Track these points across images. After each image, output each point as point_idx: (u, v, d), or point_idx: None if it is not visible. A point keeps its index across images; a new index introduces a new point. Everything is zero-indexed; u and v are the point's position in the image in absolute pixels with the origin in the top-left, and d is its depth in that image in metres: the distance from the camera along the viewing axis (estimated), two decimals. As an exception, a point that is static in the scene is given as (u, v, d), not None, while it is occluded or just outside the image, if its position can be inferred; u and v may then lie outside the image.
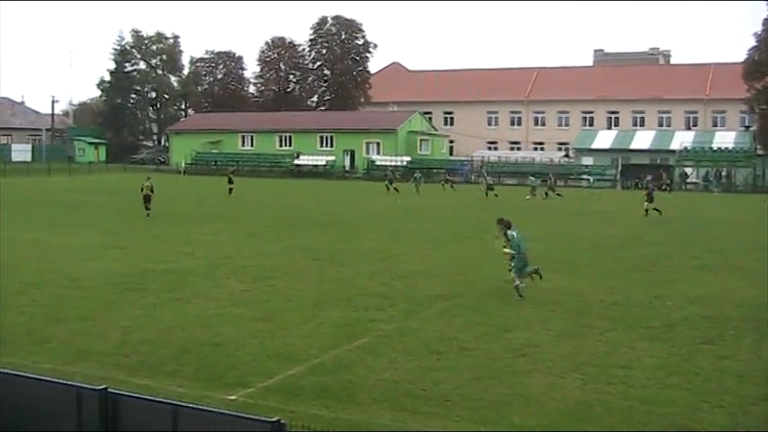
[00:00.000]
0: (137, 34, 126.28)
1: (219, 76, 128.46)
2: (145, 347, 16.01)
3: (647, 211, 47.04)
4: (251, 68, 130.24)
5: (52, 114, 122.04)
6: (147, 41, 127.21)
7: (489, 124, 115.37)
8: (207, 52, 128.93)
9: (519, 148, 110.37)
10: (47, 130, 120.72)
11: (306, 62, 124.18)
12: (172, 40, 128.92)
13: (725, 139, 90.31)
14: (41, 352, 15.63)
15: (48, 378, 10.02)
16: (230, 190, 57.34)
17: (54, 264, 26.05)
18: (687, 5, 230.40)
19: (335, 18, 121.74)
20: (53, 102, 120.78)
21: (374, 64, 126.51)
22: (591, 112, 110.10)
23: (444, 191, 68.19)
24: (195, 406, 9.08)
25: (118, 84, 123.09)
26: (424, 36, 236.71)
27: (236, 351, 15.83)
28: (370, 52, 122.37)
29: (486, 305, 20.53)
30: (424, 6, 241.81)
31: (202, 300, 20.69)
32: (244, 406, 12.17)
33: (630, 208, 52.14)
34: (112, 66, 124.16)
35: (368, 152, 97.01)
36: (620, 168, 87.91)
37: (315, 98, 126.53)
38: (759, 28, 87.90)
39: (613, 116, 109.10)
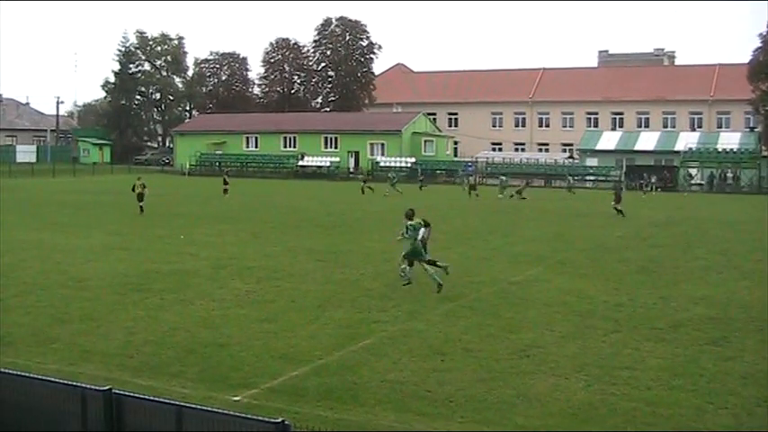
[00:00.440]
0: (141, 35, 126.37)
1: (224, 78, 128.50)
2: (149, 348, 16.03)
3: (617, 210, 47.07)
4: (255, 69, 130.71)
5: (57, 115, 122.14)
6: (151, 43, 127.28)
7: (494, 125, 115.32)
8: (211, 53, 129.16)
9: (523, 149, 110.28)
10: (51, 131, 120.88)
11: (310, 63, 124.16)
12: (176, 42, 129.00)
13: (730, 140, 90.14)
14: (46, 352, 15.65)
15: (52, 379, 10.03)
16: (225, 190, 57.87)
17: (58, 264, 26.09)
18: (692, 6, 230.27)
19: (340, 19, 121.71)
20: (58, 103, 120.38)
21: (378, 65, 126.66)
22: (595, 113, 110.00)
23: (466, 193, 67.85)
24: (199, 407, 9.08)
25: (122, 85, 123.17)
26: (429, 37, 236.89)
27: (241, 352, 15.84)
28: (374, 53, 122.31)
29: (490, 306, 20.52)
30: (428, 7, 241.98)
31: (207, 300, 20.70)
32: (248, 407, 12.17)
33: (635, 209, 52.09)
34: (117, 67, 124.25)
35: (372, 153, 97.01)
36: (624, 169, 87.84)
37: (319, 99, 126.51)
38: (764, 29, 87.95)
39: (618, 117, 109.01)
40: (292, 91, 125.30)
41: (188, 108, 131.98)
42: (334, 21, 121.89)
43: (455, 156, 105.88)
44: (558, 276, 25.25)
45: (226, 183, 58.82)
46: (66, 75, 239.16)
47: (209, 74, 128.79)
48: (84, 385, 9.61)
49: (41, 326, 17.78)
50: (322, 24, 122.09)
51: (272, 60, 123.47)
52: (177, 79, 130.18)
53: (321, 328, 17.98)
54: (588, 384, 14.10)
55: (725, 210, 56.02)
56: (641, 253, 31.40)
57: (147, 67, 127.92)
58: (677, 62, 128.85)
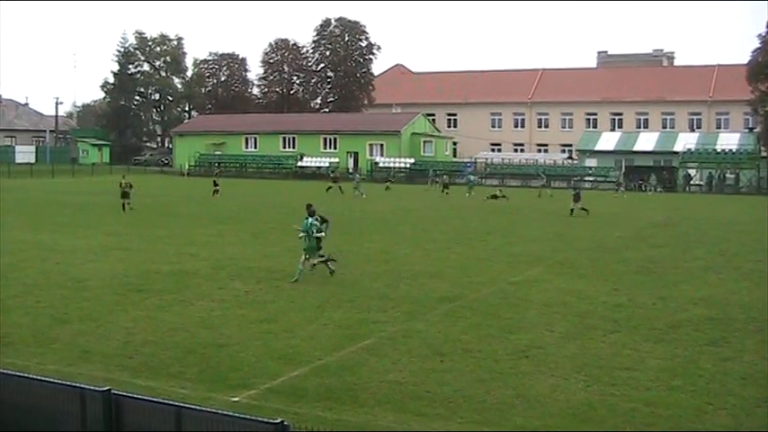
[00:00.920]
0: (140, 36, 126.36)
1: (223, 78, 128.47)
2: (148, 349, 16.03)
3: (572, 210, 47.48)
4: (254, 70, 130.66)
5: (56, 116, 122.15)
6: (150, 43, 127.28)
7: (493, 126, 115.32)
8: (210, 54, 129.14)
9: (522, 150, 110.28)
10: (51, 131, 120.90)
11: (309, 64, 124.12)
12: (175, 42, 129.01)
13: (729, 140, 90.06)
14: (46, 353, 15.65)
15: (52, 379, 10.04)
16: (216, 191, 58.49)
17: (58, 265, 26.09)
18: (691, 7, 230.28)
19: (339, 20, 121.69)
20: (57, 103, 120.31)
21: (378, 66, 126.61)
22: (594, 114, 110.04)
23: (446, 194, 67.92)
24: (198, 407, 9.10)
25: (121, 85, 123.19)
26: (428, 38, 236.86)
27: (240, 352, 15.85)
28: (373, 54, 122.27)
29: (489, 307, 20.53)
30: (427, 8, 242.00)
31: (206, 301, 20.71)
32: (247, 407, 12.18)
33: (634, 210, 52.13)
34: (116, 67, 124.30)
35: (371, 154, 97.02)
36: (623, 170, 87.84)
37: (318, 100, 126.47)
38: (763, 29, 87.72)
39: (617, 118, 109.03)
40: (291, 91, 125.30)
41: (187, 109, 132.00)
42: (333, 21, 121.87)
43: (454, 156, 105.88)
44: (557, 277, 25.27)
45: (216, 184, 59.76)
46: (66, 75, 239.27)
47: (208, 74, 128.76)
48: (83, 386, 9.61)
49: (41, 326, 17.79)
50: (321, 25, 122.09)
51: (272, 61, 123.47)
52: (176, 80, 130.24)
53: (320, 328, 17.99)
54: (588, 385, 14.10)
55: (724, 210, 56.03)
56: (641, 253, 31.42)
57: (146, 67, 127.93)
58: (676, 63, 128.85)
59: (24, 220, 39.31)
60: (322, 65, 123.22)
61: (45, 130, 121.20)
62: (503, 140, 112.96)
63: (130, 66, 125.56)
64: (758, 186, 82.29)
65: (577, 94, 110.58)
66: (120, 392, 9.24)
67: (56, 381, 9.95)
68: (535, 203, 57.39)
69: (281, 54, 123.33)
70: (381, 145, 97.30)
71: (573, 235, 37.45)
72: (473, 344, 16.70)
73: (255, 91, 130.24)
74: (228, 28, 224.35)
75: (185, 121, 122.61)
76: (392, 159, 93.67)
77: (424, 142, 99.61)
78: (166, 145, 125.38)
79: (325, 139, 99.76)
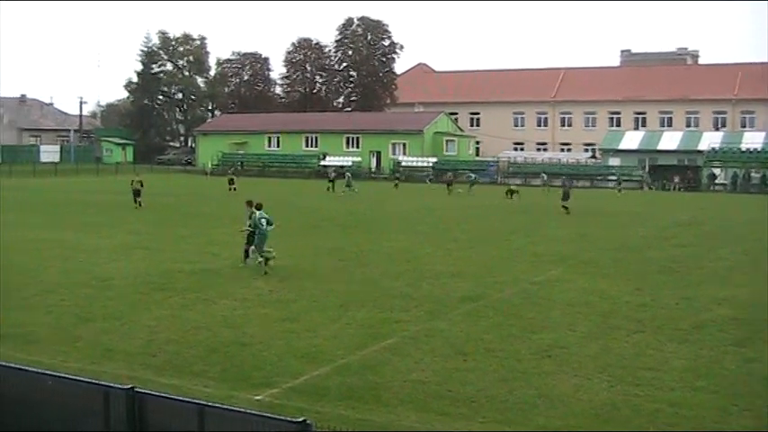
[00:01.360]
0: (164, 36, 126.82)
1: (246, 78, 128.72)
2: (171, 347, 16.09)
3: (565, 207, 48.02)
4: (277, 69, 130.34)
5: (80, 115, 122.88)
6: (173, 43, 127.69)
7: (516, 125, 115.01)
8: (233, 53, 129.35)
9: (545, 149, 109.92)
10: (75, 130, 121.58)
11: (332, 63, 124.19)
12: (198, 42, 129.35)
13: (754, 139, 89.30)
14: (69, 351, 15.74)
15: (75, 377, 10.08)
16: (233, 189, 59.86)
17: (82, 264, 26.23)
18: (715, 5, 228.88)
19: (361, 19, 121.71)
20: (81, 103, 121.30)
21: (400, 65, 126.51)
22: (618, 113, 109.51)
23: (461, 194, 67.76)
24: (221, 406, 9.10)
25: (145, 85, 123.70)
26: (451, 37, 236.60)
27: (263, 351, 15.87)
28: (396, 53, 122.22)
29: (512, 306, 20.48)
30: (450, 7, 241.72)
31: (229, 300, 20.76)
32: (270, 406, 12.20)
33: (658, 209, 51.88)
34: (140, 67, 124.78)
35: (394, 153, 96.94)
36: (647, 169, 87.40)
37: (341, 99, 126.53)
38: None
39: (640, 117, 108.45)
40: (314, 91, 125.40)
41: (210, 108, 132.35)
42: (355, 21, 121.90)
43: (477, 155, 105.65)
44: (580, 276, 25.16)
45: (232, 182, 61.33)
46: (90, 75, 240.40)
47: (231, 74, 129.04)
48: (107, 384, 9.65)
49: (65, 324, 17.90)
50: (344, 24, 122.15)
51: (294, 60, 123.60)
52: (199, 79, 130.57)
53: (343, 327, 18.00)
54: (611, 385, 14.04)
55: (749, 210, 55.60)
56: (664, 253, 31.25)
57: (169, 67, 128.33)
58: (700, 61, 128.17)
59: (48, 219, 39.54)
60: (345, 64, 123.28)
61: (69, 130, 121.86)
62: (526, 140, 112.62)
63: (154, 65, 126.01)
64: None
65: (601, 93, 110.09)
66: (144, 390, 9.26)
67: (80, 378, 9.98)
68: (558, 203, 57.10)
69: (304, 53, 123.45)
70: (404, 144, 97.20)
71: (596, 234, 37.30)
72: (495, 343, 16.67)
73: (278, 90, 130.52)
74: (251, 27, 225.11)
75: (208, 121, 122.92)
76: (415, 158, 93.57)
77: (447, 141, 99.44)
78: (189, 144, 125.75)
79: (348, 138, 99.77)
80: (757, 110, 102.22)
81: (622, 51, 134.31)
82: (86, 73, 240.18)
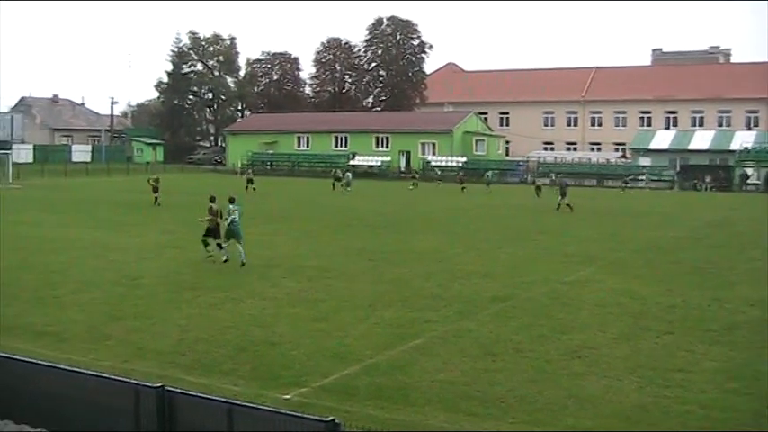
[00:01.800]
0: (194, 36, 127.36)
1: (275, 77, 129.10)
2: (201, 346, 16.16)
3: (559, 206, 48.76)
4: (307, 69, 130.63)
5: (111, 115, 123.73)
6: (203, 43, 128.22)
7: (545, 125, 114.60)
8: (263, 53, 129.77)
9: (575, 149, 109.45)
10: (106, 130, 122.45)
11: (361, 63, 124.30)
12: (228, 42, 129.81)
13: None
14: (100, 349, 15.85)
15: (106, 375, 10.15)
16: (253, 189, 60.63)
17: (113, 262, 26.41)
18: (747, 3, 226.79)
19: (391, 19, 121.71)
20: (112, 103, 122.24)
21: (430, 64, 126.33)
22: (649, 113, 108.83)
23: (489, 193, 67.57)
24: (250, 405, 9.14)
25: (175, 85, 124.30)
26: (480, 36, 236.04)
27: (292, 350, 15.91)
28: (425, 53, 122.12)
29: (542, 307, 20.41)
30: (479, 7, 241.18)
31: (258, 299, 20.83)
32: (299, 405, 12.21)
33: (690, 209, 51.52)
34: (170, 67, 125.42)
35: (423, 153, 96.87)
36: (678, 169, 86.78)
37: (370, 99, 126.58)
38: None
39: (672, 116, 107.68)
40: (343, 90, 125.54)
41: (240, 108, 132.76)
42: (385, 20, 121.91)
43: (506, 155, 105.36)
44: (610, 277, 25.03)
45: (251, 182, 62.09)
46: (121, 75, 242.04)
47: (260, 74, 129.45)
48: (137, 382, 9.71)
49: (96, 323, 18.03)
50: (373, 24, 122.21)
51: (324, 60, 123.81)
52: (229, 79, 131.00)
53: (372, 327, 18.01)
54: (641, 386, 13.95)
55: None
56: (695, 254, 31.01)
57: (199, 67, 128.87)
58: (733, 60, 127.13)
59: (80, 219, 39.84)
60: (374, 64, 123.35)
61: (101, 130, 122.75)
62: (555, 139, 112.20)
63: (184, 65, 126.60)
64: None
65: (631, 92, 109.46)
66: (174, 389, 9.31)
67: (110, 376, 10.06)
68: (588, 203, 56.87)
69: (334, 53, 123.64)
70: (433, 144, 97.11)
71: (626, 235, 37.08)
72: (525, 344, 16.62)
73: (308, 90, 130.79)
74: (281, 27, 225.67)
75: (238, 121, 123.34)
76: (444, 158, 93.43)
77: (476, 141, 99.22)
78: (219, 144, 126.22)
79: (378, 138, 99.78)
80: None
81: (654, 50, 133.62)
82: (117, 73, 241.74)
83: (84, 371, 10.26)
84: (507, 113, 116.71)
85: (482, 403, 13.02)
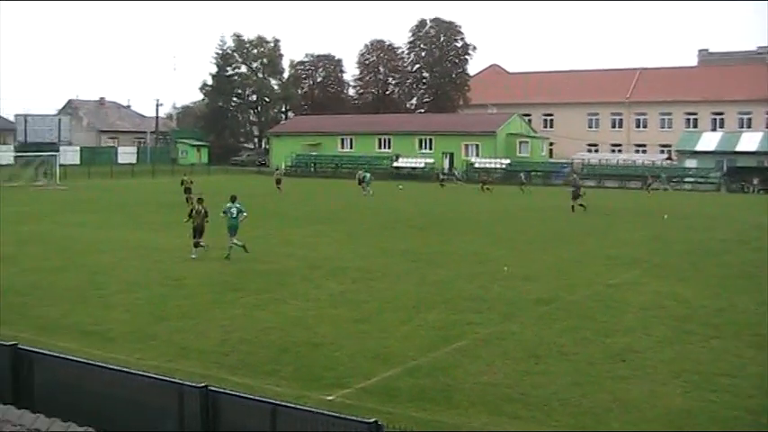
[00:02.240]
0: (238, 38, 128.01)
1: (319, 79, 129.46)
2: (244, 347, 16.25)
3: (573, 207, 48.88)
4: (350, 71, 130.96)
5: (156, 117, 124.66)
6: (248, 45, 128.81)
7: (590, 126, 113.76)
8: (307, 55, 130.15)
9: (620, 151, 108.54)
10: (151, 132, 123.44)
11: (405, 64, 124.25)
12: (272, 44, 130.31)
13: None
14: (145, 349, 16.00)
15: (151, 375, 10.22)
16: (279, 189, 62.82)
17: (157, 263, 26.65)
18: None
19: (434, 20, 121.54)
20: (157, 105, 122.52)
21: (473, 66, 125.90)
22: (695, 114, 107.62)
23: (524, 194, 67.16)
24: (293, 405, 9.15)
25: (220, 87, 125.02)
26: (524, 38, 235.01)
27: (334, 352, 15.94)
28: (469, 54, 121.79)
29: (586, 310, 20.28)
30: (523, 8, 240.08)
31: (301, 300, 20.90)
32: (341, 406, 12.23)
33: (737, 212, 50.91)
34: (214, 69, 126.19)
35: (467, 154, 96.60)
36: (725, 171, 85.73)
37: (414, 100, 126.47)
38: None
39: (718, 117, 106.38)
40: (387, 92, 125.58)
41: (284, 110, 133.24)
42: (428, 22, 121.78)
43: (550, 157, 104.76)
44: (655, 280, 24.80)
45: (279, 183, 64.19)
46: (166, 78, 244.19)
47: (304, 76, 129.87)
48: (181, 381, 9.76)
49: (141, 323, 18.20)
50: (417, 26, 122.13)
51: (367, 62, 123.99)
52: (273, 81, 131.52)
53: (415, 329, 18.00)
54: (686, 391, 13.81)
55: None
56: (743, 257, 30.62)
57: (243, 69, 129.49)
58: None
59: (125, 220, 40.24)
60: (417, 65, 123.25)
61: (146, 132, 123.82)
62: (600, 141, 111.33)
63: (228, 67, 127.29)
64: None
65: (677, 93, 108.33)
66: (217, 389, 9.36)
67: (155, 376, 10.13)
68: (631, 205, 56.43)
69: (377, 55, 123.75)
70: (477, 145, 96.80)
71: (671, 237, 36.71)
72: (568, 347, 16.52)
73: (351, 92, 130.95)
74: (325, 29, 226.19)
75: (282, 122, 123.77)
76: (487, 160, 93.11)
77: (520, 143, 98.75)
78: (263, 146, 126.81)
79: (421, 139, 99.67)
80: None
81: (700, 51, 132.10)
82: (163, 76, 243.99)
83: (130, 370, 10.33)
84: (551, 115, 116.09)
85: (525, 406, 12.96)
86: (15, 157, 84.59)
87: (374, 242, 32.95)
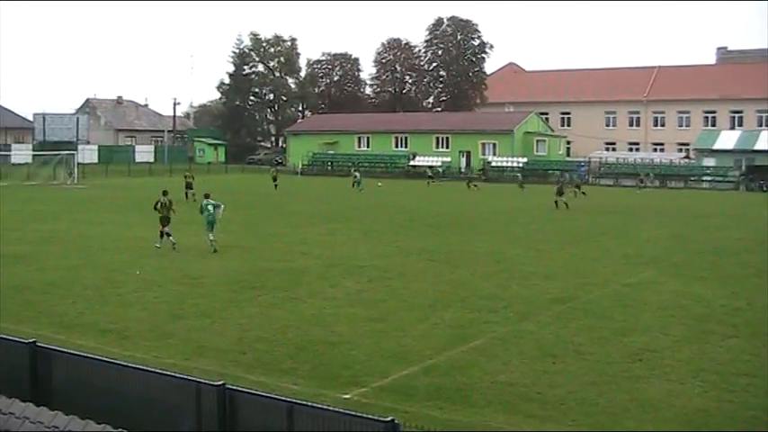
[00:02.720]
0: (255, 37, 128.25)
1: (336, 78, 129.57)
2: (261, 345, 16.28)
3: (556, 203, 50.42)
4: (367, 70, 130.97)
5: (174, 116, 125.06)
6: (265, 44, 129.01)
7: (607, 125, 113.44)
8: (323, 54, 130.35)
9: (638, 149, 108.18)
10: (168, 131, 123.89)
11: (421, 63, 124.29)
12: (289, 43, 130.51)
13: None
14: (162, 347, 16.06)
15: (169, 373, 10.26)
16: (275, 186, 63.75)
17: (174, 261, 26.73)
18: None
19: (451, 19, 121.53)
20: (174, 104, 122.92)
21: (490, 64, 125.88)
22: (713, 112, 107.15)
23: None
24: (310, 404, 9.17)
25: (237, 86, 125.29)
26: (541, 36, 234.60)
27: (351, 350, 15.96)
28: (486, 53, 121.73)
29: (603, 309, 20.22)
30: (540, 6, 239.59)
31: (318, 299, 20.92)
32: (358, 405, 12.24)
33: (755, 211, 50.65)
34: (231, 68, 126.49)
35: (484, 153, 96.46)
36: (743, 170, 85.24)
37: (430, 99, 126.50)
38: None
39: (737, 116, 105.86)
40: (404, 91, 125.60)
41: (301, 108, 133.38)
42: (445, 21, 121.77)
43: (567, 156, 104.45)
44: (672, 279, 24.71)
45: (275, 179, 65.19)
46: (183, 77, 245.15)
47: (321, 74, 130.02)
48: (198, 380, 9.79)
49: (158, 321, 18.27)
50: (434, 24, 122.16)
51: (384, 61, 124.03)
52: (290, 80, 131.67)
53: (431, 327, 17.99)
54: (704, 390, 13.75)
55: None
56: (761, 256, 30.42)
57: (260, 68, 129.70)
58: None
59: (142, 218, 40.28)
60: (434, 64, 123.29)
61: (163, 130, 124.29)
62: (617, 139, 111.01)
63: (245, 66, 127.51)
64: None
65: (695, 91, 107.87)
66: (235, 387, 9.38)
67: (172, 374, 10.16)
68: (649, 203, 56.22)
69: (394, 54, 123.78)
70: (494, 144, 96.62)
71: (689, 236, 36.56)
72: (585, 346, 16.48)
73: (368, 90, 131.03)
74: (342, 28, 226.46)
75: (299, 121, 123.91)
76: (505, 158, 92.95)
77: (537, 141, 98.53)
78: (280, 144, 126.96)
79: (438, 138, 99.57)
80: None
81: (718, 49, 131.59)
82: (180, 75, 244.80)
83: (147, 368, 10.37)
84: (569, 113, 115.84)
85: (542, 405, 12.94)
86: (33, 155, 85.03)
87: (391, 240, 32.95)
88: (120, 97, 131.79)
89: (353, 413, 8.79)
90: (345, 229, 37.07)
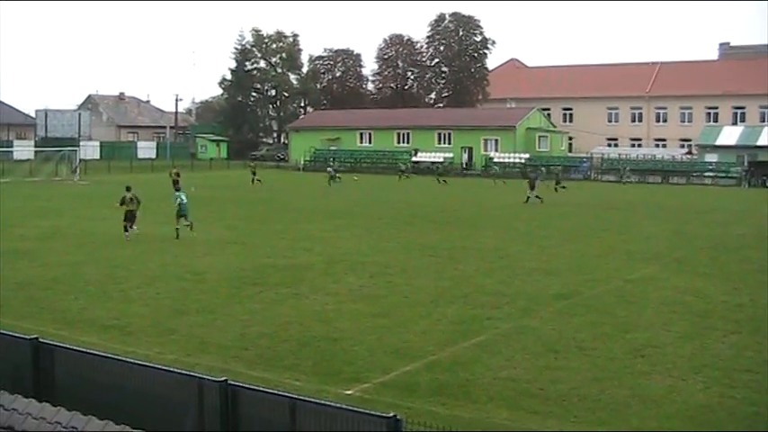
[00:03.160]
0: (257, 33, 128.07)
1: (338, 74, 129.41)
2: (264, 341, 16.30)
3: (528, 198, 50.74)
4: (369, 66, 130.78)
5: (176, 112, 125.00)
6: (267, 40, 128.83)
7: (609, 120, 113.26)
8: (325, 50, 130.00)
9: (640, 145, 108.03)
10: (171, 127, 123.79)
11: (424, 59, 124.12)
12: (291, 39, 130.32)
13: None
14: (165, 343, 16.08)
15: (171, 369, 10.27)
16: (255, 180, 63.16)
17: (177, 258, 26.74)
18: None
19: (453, 15, 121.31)
20: (177, 100, 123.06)
21: (492, 60, 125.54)
22: (715, 108, 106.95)
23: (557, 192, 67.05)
24: (312, 400, 9.18)
25: (239, 82, 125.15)
26: (543, 32, 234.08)
27: (354, 346, 15.97)
28: (488, 49, 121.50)
29: (605, 305, 20.23)
30: (542, 2, 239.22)
31: (320, 295, 20.94)
32: (360, 401, 12.26)
33: (758, 207, 50.60)
34: (233, 65, 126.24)
35: (486, 149, 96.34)
36: (746, 166, 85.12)
37: (433, 95, 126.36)
38: None
39: (739, 111, 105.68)
40: (406, 87, 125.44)
41: (303, 104, 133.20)
42: (447, 16, 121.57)
43: (569, 151, 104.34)
44: (675, 275, 24.71)
45: (254, 173, 64.81)
46: (185, 73, 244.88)
47: (323, 70, 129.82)
48: (200, 375, 9.80)
49: (161, 317, 18.29)
50: (435, 20, 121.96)
51: (386, 56, 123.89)
52: (292, 76, 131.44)
53: (434, 323, 18.00)
54: (706, 386, 13.76)
55: None
56: (763, 252, 30.39)
57: (262, 64, 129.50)
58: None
59: (144, 214, 40.25)
60: (436, 60, 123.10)
61: (165, 127, 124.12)
62: (620, 135, 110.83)
63: (247, 63, 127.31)
64: None
65: (697, 87, 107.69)
66: (237, 383, 9.39)
67: (174, 370, 10.17)
68: (652, 200, 56.18)
69: (396, 49, 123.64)
70: (496, 140, 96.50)
71: (691, 232, 36.54)
72: (588, 342, 16.49)
73: (370, 86, 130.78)
74: (343, 24, 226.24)
75: (301, 117, 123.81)
76: (507, 154, 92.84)
77: (539, 137, 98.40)
78: (282, 140, 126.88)
79: (440, 134, 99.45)
80: None
81: (721, 44, 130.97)
82: (182, 71, 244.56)
83: (150, 364, 10.39)
84: (571, 109, 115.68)
85: (544, 401, 12.95)
86: (36, 152, 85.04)
87: (393, 237, 32.95)
88: (122, 93, 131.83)
89: (356, 409, 8.80)
90: (347, 224, 37.06)
